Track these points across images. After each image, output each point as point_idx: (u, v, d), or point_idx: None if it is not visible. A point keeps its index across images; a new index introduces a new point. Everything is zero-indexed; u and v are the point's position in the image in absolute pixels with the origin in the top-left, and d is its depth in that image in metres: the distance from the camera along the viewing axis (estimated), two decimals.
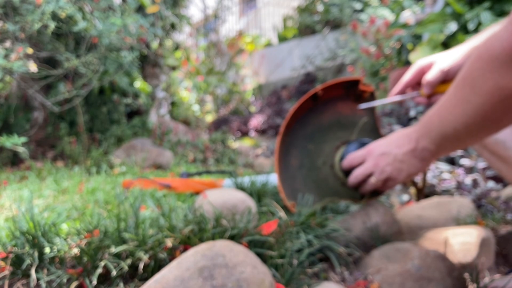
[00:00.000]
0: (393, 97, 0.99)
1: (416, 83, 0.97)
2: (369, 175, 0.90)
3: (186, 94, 4.87)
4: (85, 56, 2.09)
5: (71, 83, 2.36)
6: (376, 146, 0.89)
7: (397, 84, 0.97)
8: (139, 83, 3.16)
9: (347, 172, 0.99)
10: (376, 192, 1.02)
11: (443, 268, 0.77)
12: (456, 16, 2.84)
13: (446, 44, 2.83)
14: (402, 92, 0.98)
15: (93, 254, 0.69)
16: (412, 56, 2.92)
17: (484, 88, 0.63)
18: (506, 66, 0.59)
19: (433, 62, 0.93)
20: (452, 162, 1.88)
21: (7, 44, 1.94)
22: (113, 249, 0.70)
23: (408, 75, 0.96)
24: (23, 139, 1.60)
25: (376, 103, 1.01)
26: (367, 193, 0.96)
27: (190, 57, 5.04)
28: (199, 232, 0.76)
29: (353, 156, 0.93)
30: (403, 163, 0.83)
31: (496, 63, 0.60)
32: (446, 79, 0.91)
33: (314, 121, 1.09)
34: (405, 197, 1.64)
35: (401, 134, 0.85)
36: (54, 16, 1.91)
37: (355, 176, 0.92)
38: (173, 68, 4.73)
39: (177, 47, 4.00)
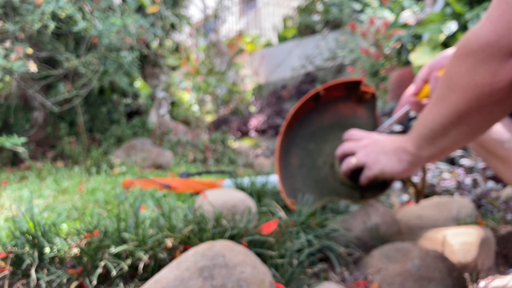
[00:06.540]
0: (403, 108, 0.97)
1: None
2: (353, 153, 0.89)
3: (186, 94, 4.86)
4: (85, 56, 2.08)
5: (71, 83, 2.36)
6: (377, 135, 0.89)
7: (414, 81, 0.94)
8: (139, 83, 3.16)
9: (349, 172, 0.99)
10: (377, 192, 1.02)
11: (443, 268, 0.77)
12: (456, 16, 2.83)
13: (446, 44, 2.83)
14: (419, 88, 0.95)
15: (93, 254, 0.69)
16: (412, 56, 2.91)
17: (460, 85, 0.61)
18: (482, 62, 0.57)
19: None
20: (452, 162, 1.88)
21: (7, 44, 1.94)
22: (113, 249, 0.70)
23: (422, 72, 0.94)
24: (22, 139, 1.60)
25: (391, 121, 0.99)
26: (345, 174, 0.95)
27: (190, 57, 5.03)
28: (199, 232, 0.75)
29: (352, 132, 0.93)
30: (385, 155, 0.83)
31: (472, 60, 0.59)
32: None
33: (315, 120, 1.09)
34: (405, 197, 1.64)
35: (404, 135, 0.85)
36: (54, 16, 1.91)
37: (342, 148, 0.92)
38: (173, 68, 4.72)
39: (177, 47, 4.00)
